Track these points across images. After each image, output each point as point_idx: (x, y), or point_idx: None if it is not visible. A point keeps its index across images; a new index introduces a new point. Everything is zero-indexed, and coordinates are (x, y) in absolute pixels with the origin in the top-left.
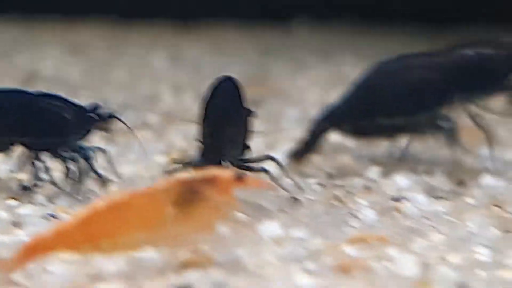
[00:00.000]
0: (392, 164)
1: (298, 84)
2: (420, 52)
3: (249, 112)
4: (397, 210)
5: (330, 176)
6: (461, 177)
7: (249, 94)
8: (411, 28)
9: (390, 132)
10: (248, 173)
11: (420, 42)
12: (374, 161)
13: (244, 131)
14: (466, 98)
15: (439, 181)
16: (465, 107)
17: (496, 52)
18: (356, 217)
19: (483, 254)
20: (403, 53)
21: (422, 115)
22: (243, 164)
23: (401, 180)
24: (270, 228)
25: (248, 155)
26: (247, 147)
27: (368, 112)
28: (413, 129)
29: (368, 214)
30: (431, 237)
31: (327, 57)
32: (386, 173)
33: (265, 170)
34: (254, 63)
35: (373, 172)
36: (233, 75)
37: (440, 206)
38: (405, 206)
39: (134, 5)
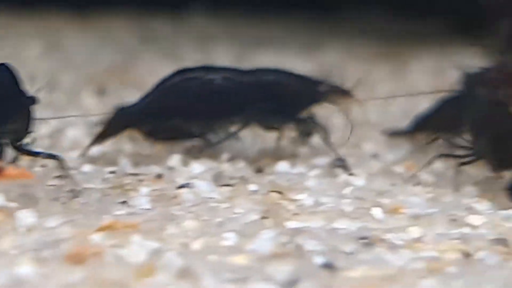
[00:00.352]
0: (197, 152)
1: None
2: (226, 66)
3: (31, 100)
4: (175, 197)
5: (134, 164)
6: (262, 164)
7: (102, 83)
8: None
9: (187, 135)
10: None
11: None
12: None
13: (24, 118)
14: (258, 117)
15: (236, 168)
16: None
17: (296, 83)
18: (128, 205)
19: (228, 239)
20: (208, 64)
21: (215, 123)
22: (25, 150)
23: (196, 167)
24: (26, 216)
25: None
26: (28, 134)
27: (165, 115)
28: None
29: (142, 202)
30: (187, 224)
31: (205, 46)
32: (186, 161)
33: (53, 156)
34: (128, 52)
35: (174, 159)
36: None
37: (217, 193)
38: (184, 193)
39: None
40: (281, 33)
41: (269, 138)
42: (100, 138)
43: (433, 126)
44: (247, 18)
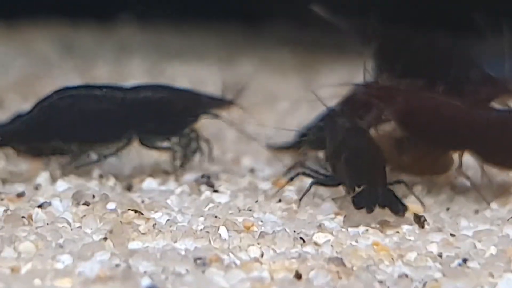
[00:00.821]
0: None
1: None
2: (108, 84)
3: None
4: (27, 217)
5: (2, 181)
6: (133, 181)
7: (3, 95)
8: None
9: (64, 152)
10: None
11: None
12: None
13: None
14: (139, 136)
15: (104, 186)
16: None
17: (178, 99)
18: None
19: (61, 261)
20: (90, 83)
21: (95, 142)
22: None
23: (61, 185)
24: None
25: None
26: None
27: (42, 134)
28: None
29: None
30: (24, 246)
31: (122, 57)
32: (54, 179)
33: None
34: (43, 63)
35: (42, 177)
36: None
37: (71, 213)
38: (39, 213)
39: None
40: (199, 44)
41: (146, 154)
42: None
43: (311, 141)
44: (169, 29)
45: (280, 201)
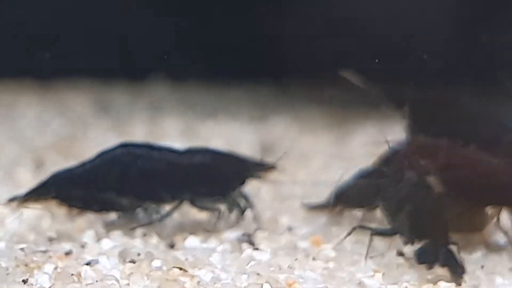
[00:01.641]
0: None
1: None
2: (165, 146)
3: None
4: (77, 275)
5: (50, 239)
6: (175, 240)
7: (43, 156)
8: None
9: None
10: None
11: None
12: (95, 224)
13: None
14: (193, 199)
15: (147, 244)
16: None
17: (225, 162)
18: (28, 283)
19: None
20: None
21: (148, 201)
22: None
23: (106, 243)
24: None
25: None
26: None
27: (99, 185)
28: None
29: (43, 280)
30: None
31: (157, 117)
32: (99, 237)
33: None
34: (79, 124)
35: (87, 235)
36: None
37: (118, 270)
38: (87, 270)
39: None
40: (232, 103)
41: (187, 212)
42: (28, 201)
43: (349, 199)
44: (201, 89)
45: (319, 258)
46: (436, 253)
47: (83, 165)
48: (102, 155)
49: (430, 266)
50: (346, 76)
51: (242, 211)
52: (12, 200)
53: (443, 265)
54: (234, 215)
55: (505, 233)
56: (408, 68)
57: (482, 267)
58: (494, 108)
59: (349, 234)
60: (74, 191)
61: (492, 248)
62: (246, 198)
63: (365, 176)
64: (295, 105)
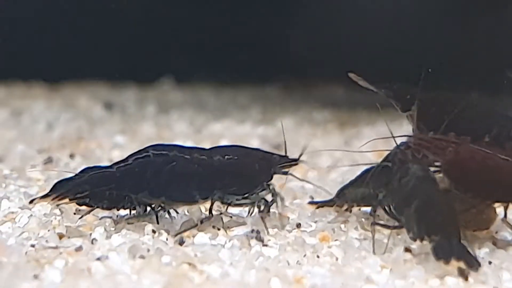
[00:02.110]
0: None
1: (114, 145)
2: (193, 146)
3: None
4: (87, 270)
5: (61, 236)
6: (185, 236)
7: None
8: None
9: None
10: None
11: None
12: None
13: None
14: (223, 197)
15: (157, 240)
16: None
17: (254, 159)
18: (39, 278)
19: None
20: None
21: (178, 202)
22: None
23: (117, 240)
24: None
25: None
26: None
27: (131, 186)
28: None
29: (54, 275)
30: None
31: (167, 115)
32: (108, 234)
33: None
34: (88, 121)
35: (97, 232)
36: None
37: (129, 266)
38: (98, 266)
39: None
40: (241, 105)
41: (196, 210)
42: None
43: (355, 196)
44: (210, 89)
45: (327, 255)
46: (451, 248)
47: (115, 165)
48: (134, 155)
49: (447, 261)
50: (353, 78)
51: (269, 206)
52: (32, 201)
53: (458, 259)
54: (261, 209)
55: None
56: (413, 68)
57: (490, 263)
58: (500, 105)
59: (373, 235)
60: (105, 190)
61: (500, 244)
62: (273, 193)
63: (371, 173)
64: (304, 107)
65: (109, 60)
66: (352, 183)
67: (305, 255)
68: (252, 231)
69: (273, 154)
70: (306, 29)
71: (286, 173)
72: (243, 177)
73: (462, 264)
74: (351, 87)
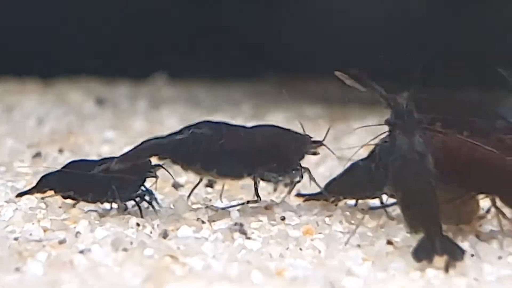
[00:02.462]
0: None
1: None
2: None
3: None
4: (70, 263)
5: (45, 229)
6: (169, 229)
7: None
8: None
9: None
10: None
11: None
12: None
13: None
14: (263, 174)
15: (140, 233)
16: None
17: (291, 138)
18: (21, 271)
19: None
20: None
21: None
22: None
23: (100, 233)
24: None
25: None
26: None
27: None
28: None
29: (35, 268)
30: None
31: (159, 109)
32: (92, 227)
33: None
34: (79, 116)
35: (81, 225)
36: None
37: (111, 259)
38: (81, 258)
39: None
40: (232, 99)
41: (180, 204)
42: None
43: (342, 189)
44: (202, 85)
45: (310, 247)
46: (433, 245)
47: (170, 136)
48: (188, 128)
49: (430, 260)
50: (339, 76)
51: (295, 184)
52: (20, 195)
53: (441, 255)
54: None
55: (499, 218)
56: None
57: (472, 255)
58: (487, 98)
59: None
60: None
61: (483, 237)
62: (303, 171)
63: (357, 167)
64: (297, 102)
65: (103, 56)
66: (339, 176)
67: (288, 248)
68: (236, 224)
69: (304, 134)
70: (298, 26)
71: (315, 153)
72: (283, 155)
73: (445, 258)
74: (342, 83)
